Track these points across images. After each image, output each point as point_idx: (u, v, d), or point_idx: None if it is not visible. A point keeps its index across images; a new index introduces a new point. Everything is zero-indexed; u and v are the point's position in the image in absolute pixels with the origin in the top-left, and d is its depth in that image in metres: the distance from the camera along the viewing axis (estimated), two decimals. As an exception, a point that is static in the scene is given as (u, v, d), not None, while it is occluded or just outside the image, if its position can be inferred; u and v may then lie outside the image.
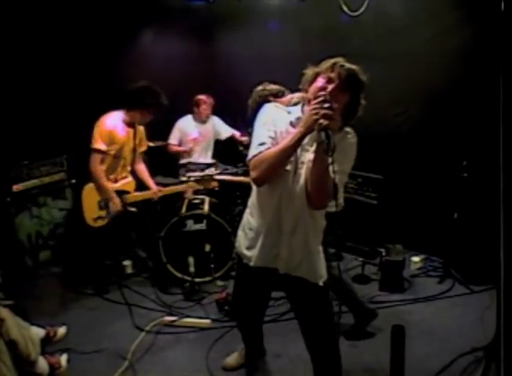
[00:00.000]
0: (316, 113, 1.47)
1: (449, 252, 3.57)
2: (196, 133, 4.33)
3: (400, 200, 3.85)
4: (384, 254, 3.43)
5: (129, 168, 3.39)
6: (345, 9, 3.86)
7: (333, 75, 1.58)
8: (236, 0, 4.15)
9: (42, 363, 2.31)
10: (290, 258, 1.78)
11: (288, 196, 1.70)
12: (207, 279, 3.42)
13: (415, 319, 2.92)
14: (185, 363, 2.53)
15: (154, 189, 3.36)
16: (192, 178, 3.43)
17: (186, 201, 3.62)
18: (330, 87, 1.56)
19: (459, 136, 3.61)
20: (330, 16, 3.98)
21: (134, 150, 3.32)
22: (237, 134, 4.45)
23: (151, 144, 3.77)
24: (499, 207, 1.13)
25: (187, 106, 4.29)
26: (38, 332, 2.54)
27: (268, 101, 2.83)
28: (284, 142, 1.60)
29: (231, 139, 4.50)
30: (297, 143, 1.57)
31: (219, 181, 3.52)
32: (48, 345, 2.58)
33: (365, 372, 2.42)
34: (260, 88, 2.84)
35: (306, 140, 1.62)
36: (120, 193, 3.28)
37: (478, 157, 3.40)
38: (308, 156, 1.67)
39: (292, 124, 1.69)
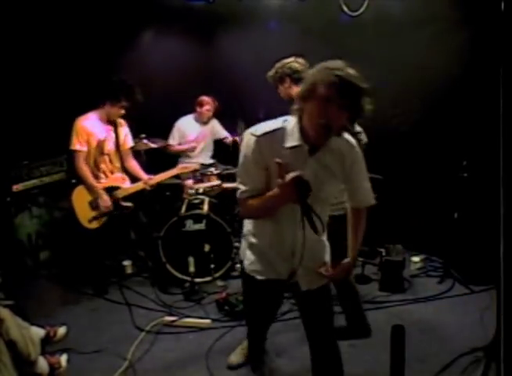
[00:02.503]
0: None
1: (449, 252, 3.57)
2: (195, 134, 4.32)
3: (400, 200, 3.85)
4: (383, 254, 3.43)
5: (118, 165, 3.40)
6: (345, 9, 3.86)
7: (331, 93, 1.46)
8: (236, 0, 4.15)
9: (42, 363, 2.31)
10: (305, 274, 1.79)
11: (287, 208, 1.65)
12: (207, 279, 3.42)
13: (415, 319, 2.92)
14: (185, 363, 2.53)
15: (145, 179, 3.37)
16: (200, 190, 3.44)
17: (186, 201, 3.62)
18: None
19: (459, 136, 3.61)
20: (330, 16, 3.98)
21: (117, 146, 3.33)
22: (229, 138, 4.42)
23: (153, 145, 3.75)
24: (499, 207, 1.12)
25: (187, 107, 4.29)
26: (38, 332, 2.55)
27: (283, 81, 2.72)
28: (266, 203, 1.59)
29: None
30: (280, 206, 1.60)
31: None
32: (48, 345, 2.58)
33: (365, 372, 2.41)
34: (287, 60, 2.69)
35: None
36: (111, 189, 3.29)
37: (478, 157, 3.40)
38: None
39: (287, 152, 1.58)
